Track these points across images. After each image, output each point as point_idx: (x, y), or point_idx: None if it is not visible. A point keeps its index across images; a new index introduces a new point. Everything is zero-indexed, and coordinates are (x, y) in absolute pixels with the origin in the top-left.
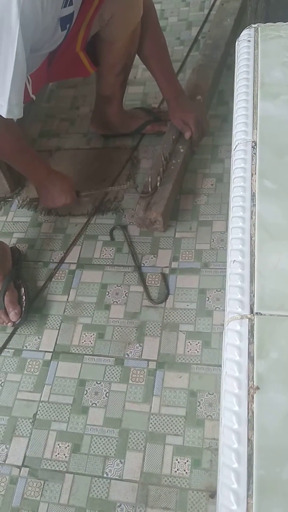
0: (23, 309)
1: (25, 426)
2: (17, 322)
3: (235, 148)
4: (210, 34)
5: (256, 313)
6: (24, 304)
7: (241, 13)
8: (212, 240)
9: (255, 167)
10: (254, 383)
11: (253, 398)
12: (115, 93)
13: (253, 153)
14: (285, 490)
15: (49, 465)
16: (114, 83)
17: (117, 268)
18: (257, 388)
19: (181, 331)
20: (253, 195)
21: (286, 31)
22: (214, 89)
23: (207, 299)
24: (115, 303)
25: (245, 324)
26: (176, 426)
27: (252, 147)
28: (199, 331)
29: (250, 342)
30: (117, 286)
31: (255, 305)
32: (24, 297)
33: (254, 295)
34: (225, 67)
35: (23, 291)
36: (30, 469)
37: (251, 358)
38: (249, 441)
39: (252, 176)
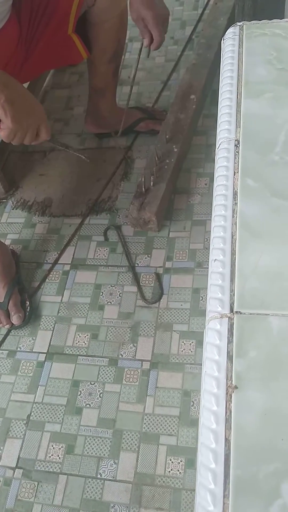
0: (26, 314)
1: (18, 427)
2: (17, 325)
3: (218, 146)
4: (203, 33)
5: (236, 312)
6: (28, 309)
7: (235, 12)
8: (206, 240)
9: (238, 166)
10: (233, 382)
11: (231, 397)
12: (108, 84)
13: (236, 152)
14: (261, 490)
15: (43, 466)
16: (106, 72)
17: (111, 268)
18: (235, 387)
19: (175, 331)
20: (235, 194)
21: (271, 29)
22: (207, 88)
23: (201, 298)
24: (109, 303)
25: (224, 323)
26: (170, 426)
27: (235, 145)
28: (193, 330)
29: (230, 341)
30: (111, 286)
31: (235, 304)
32: (27, 302)
33: (234, 294)
34: (218, 66)
35: (26, 296)
36: (24, 470)
37: (230, 357)
38: (227, 441)
39: (234, 174)
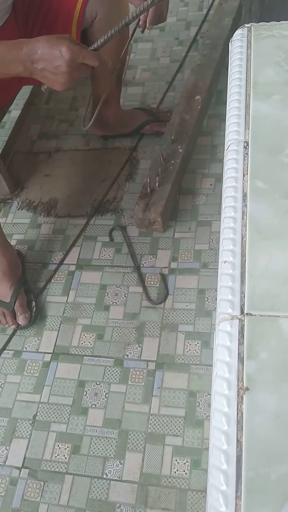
0: (32, 314)
1: (25, 427)
2: (22, 326)
3: (227, 148)
4: (208, 34)
5: (247, 313)
6: (34, 310)
7: (240, 13)
8: (211, 240)
9: (247, 167)
10: (244, 384)
11: (242, 399)
12: (111, 93)
13: (245, 153)
14: (273, 491)
15: (49, 466)
16: (108, 83)
17: (117, 268)
18: (247, 389)
19: (180, 331)
20: (244, 196)
21: (279, 30)
22: (212, 89)
23: (206, 299)
24: (114, 303)
25: (235, 325)
26: (175, 426)
27: (244, 147)
28: (198, 331)
29: (240, 342)
30: (117, 287)
31: (245, 306)
32: (33, 302)
33: (244, 296)
34: (223, 67)
35: (32, 296)
36: (30, 470)
37: (241, 359)
38: (238, 442)
39: (244, 176)
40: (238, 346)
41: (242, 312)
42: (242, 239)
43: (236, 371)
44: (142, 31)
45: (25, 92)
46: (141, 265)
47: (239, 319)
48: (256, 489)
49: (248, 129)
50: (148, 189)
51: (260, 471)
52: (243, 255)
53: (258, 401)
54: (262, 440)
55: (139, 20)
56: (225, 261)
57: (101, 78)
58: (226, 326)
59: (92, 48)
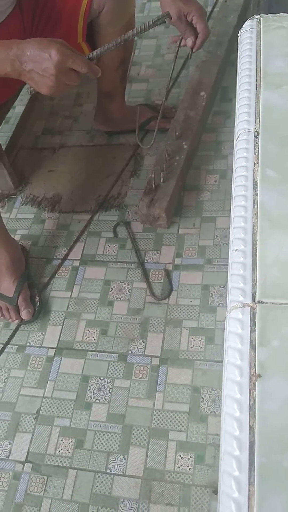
0: (36, 309)
1: (28, 421)
2: (26, 321)
3: (237, 137)
4: (213, 30)
5: (258, 301)
6: (37, 305)
7: (244, 10)
8: (215, 237)
9: (258, 157)
10: (256, 371)
11: (254, 385)
12: (116, 89)
13: (256, 143)
14: (286, 478)
15: (53, 460)
16: (113, 78)
17: (121, 264)
18: (259, 375)
19: (184, 327)
20: (255, 184)
21: None
22: (217, 86)
23: (210, 295)
24: (118, 299)
25: (247, 313)
26: (179, 422)
27: (254, 136)
28: (203, 327)
29: (252, 330)
30: (121, 282)
31: (257, 294)
32: (37, 297)
33: (256, 284)
34: (228, 63)
35: (35, 291)
36: (33, 464)
37: (252, 346)
38: (251, 429)
39: (254, 165)
40: (250, 333)
41: (253, 299)
42: (253, 228)
43: (248, 358)
44: (190, 57)
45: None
46: (145, 261)
47: (251, 307)
48: (269, 476)
49: (259, 118)
50: (153, 185)
51: (273, 457)
52: (254, 243)
53: (270, 388)
54: (275, 426)
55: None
56: (236, 250)
57: (105, 72)
58: (238, 314)
59: (87, 57)
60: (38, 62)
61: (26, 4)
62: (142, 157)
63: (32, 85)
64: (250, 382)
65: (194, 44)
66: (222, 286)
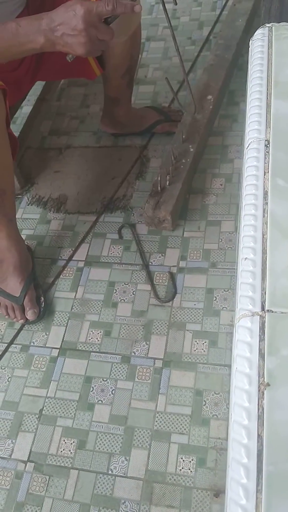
0: (41, 310)
1: (31, 421)
2: (31, 321)
3: (247, 146)
4: (221, 34)
5: (267, 310)
6: (42, 305)
7: (253, 14)
8: (220, 240)
9: (268, 166)
10: (265, 380)
11: (263, 394)
12: (122, 94)
13: (266, 152)
14: None
15: (55, 460)
16: (120, 85)
17: (125, 266)
18: (268, 384)
19: (188, 330)
20: (265, 193)
21: None
22: (224, 89)
23: (214, 298)
24: (122, 301)
25: (256, 321)
26: (181, 424)
27: (265, 145)
28: (206, 330)
29: (261, 339)
30: (125, 284)
31: (266, 303)
32: (42, 298)
33: (265, 293)
34: (236, 67)
35: (40, 291)
36: (35, 464)
37: (261, 355)
38: (259, 437)
39: (264, 174)
40: (259, 342)
41: (263, 308)
42: (263, 237)
43: (257, 367)
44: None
45: (37, 88)
46: (150, 263)
47: (260, 316)
48: (276, 484)
49: (269, 127)
50: (159, 187)
51: (281, 466)
52: (264, 252)
53: (279, 397)
54: (283, 436)
55: None
56: (246, 258)
57: (112, 79)
58: (247, 322)
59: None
60: (67, 23)
61: (33, 5)
62: (148, 159)
63: (67, 50)
64: (259, 390)
65: None
66: (226, 289)
